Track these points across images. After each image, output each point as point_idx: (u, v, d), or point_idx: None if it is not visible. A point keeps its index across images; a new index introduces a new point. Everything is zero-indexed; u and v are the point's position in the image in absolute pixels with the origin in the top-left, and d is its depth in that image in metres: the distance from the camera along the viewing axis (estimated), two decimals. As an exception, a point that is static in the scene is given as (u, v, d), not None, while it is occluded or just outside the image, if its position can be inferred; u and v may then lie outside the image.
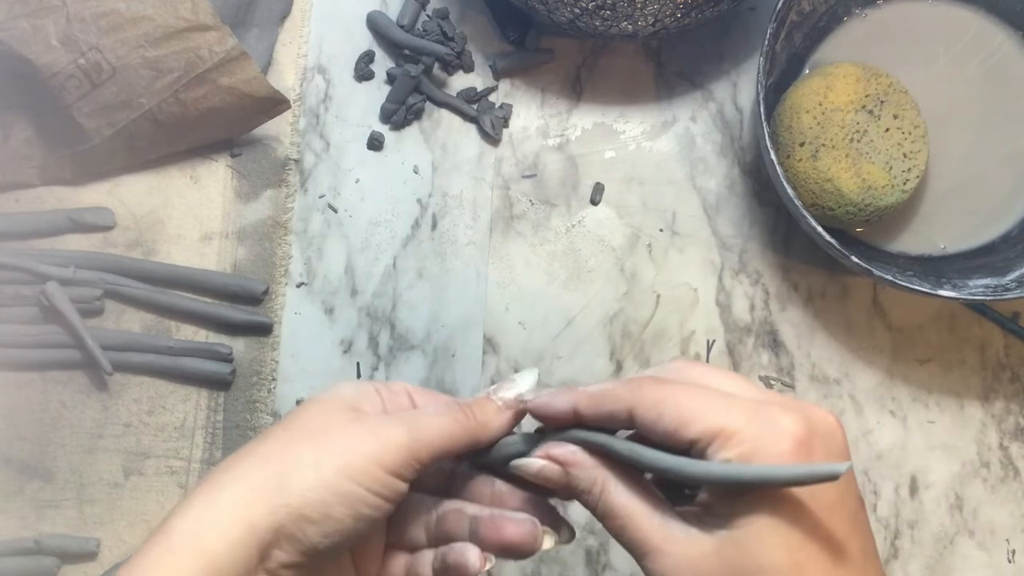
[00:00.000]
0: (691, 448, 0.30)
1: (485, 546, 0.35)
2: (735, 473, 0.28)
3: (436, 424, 0.33)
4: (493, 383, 0.39)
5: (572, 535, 0.36)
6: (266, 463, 0.32)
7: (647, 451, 0.31)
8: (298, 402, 0.52)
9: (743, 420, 0.29)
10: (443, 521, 0.36)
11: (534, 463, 0.34)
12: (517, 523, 0.34)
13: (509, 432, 0.36)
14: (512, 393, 0.36)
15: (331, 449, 0.32)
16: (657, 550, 0.30)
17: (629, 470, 0.32)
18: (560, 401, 0.34)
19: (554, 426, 0.34)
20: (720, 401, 0.30)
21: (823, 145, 0.49)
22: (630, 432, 0.33)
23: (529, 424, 0.35)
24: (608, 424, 0.32)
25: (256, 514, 0.30)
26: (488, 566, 0.35)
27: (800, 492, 0.28)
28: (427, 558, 0.36)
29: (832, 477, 0.26)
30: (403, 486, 0.33)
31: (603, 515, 0.32)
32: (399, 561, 0.36)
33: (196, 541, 0.30)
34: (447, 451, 0.34)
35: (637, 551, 0.31)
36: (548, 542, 0.35)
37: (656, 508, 0.31)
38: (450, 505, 0.36)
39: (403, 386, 0.37)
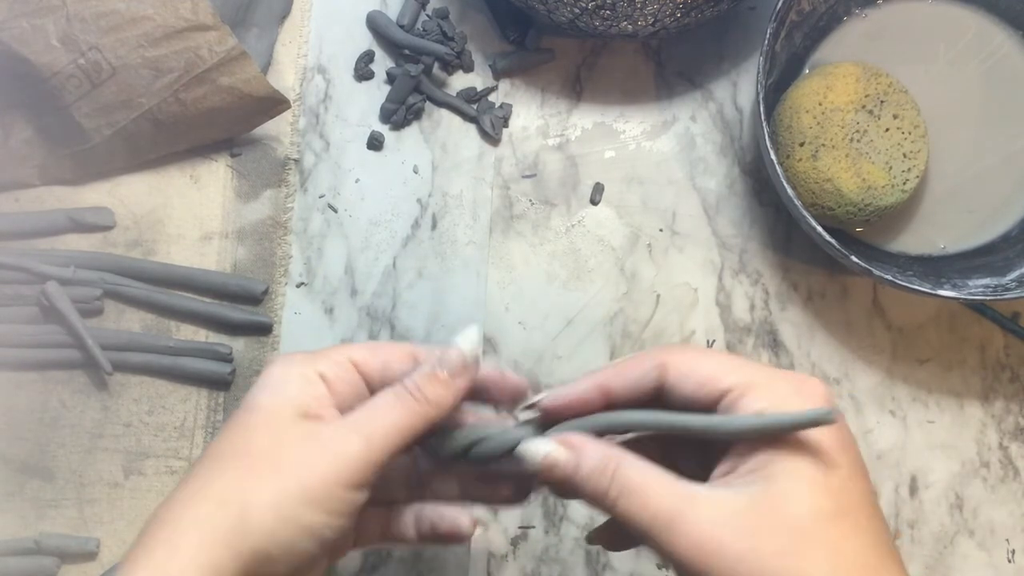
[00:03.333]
0: (721, 400, 0.30)
1: (480, 500, 0.34)
2: (763, 422, 0.29)
3: (390, 422, 0.32)
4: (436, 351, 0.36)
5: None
6: (224, 506, 0.30)
7: (667, 414, 0.31)
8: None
9: (772, 375, 0.30)
10: (426, 476, 0.35)
11: (541, 445, 0.32)
12: (507, 484, 0.34)
13: (460, 402, 0.34)
14: (455, 357, 0.33)
15: (287, 480, 0.30)
16: (683, 514, 0.29)
17: (640, 452, 0.31)
18: (579, 385, 0.33)
19: (568, 416, 0.33)
20: (748, 362, 0.31)
21: (823, 145, 0.49)
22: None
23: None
24: (637, 395, 0.32)
25: (221, 559, 0.29)
26: (479, 531, 0.35)
27: (831, 446, 0.29)
28: (408, 517, 0.35)
29: (829, 420, 0.28)
30: (363, 496, 0.32)
31: (618, 494, 0.30)
32: (375, 518, 0.35)
33: None
34: (404, 445, 0.32)
35: (660, 523, 0.29)
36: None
37: (676, 478, 0.30)
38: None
39: (346, 354, 0.34)
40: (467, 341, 0.34)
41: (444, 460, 0.35)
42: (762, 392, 0.30)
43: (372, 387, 0.35)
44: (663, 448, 0.35)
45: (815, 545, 0.28)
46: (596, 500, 0.31)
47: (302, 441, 0.31)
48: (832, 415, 0.28)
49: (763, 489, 0.29)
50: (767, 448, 0.29)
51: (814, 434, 0.29)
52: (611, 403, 0.33)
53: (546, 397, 0.34)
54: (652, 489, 0.30)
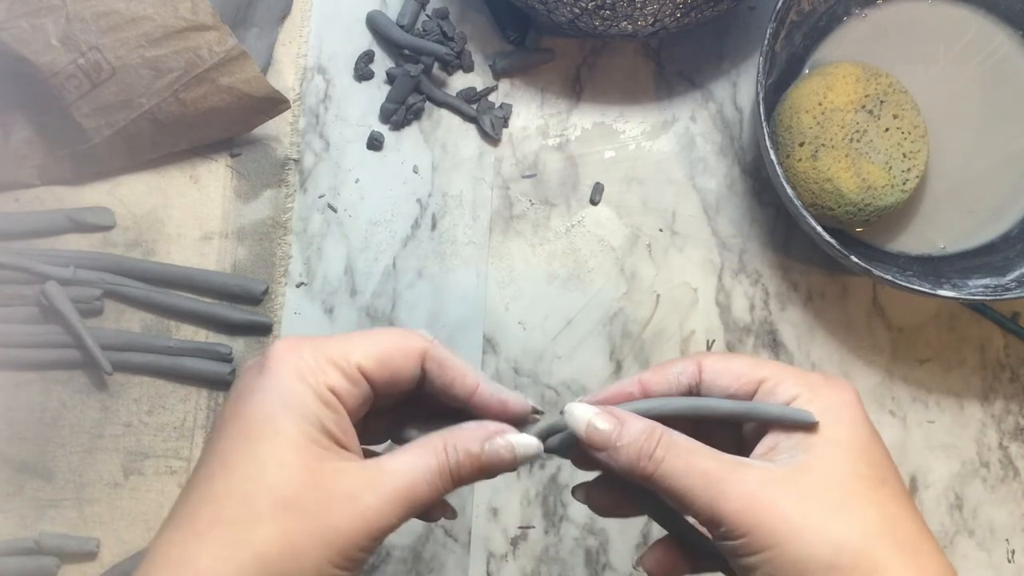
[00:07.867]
0: (758, 389, 0.33)
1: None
2: (785, 412, 0.31)
3: (427, 495, 0.31)
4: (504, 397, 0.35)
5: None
6: (267, 565, 0.28)
7: (704, 400, 0.33)
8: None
9: (803, 373, 0.33)
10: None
11: (586, 409, 0.32)
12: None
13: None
14: (505, 453, 0.32)
15: (328, 543, 0.29)
16: (731, 475, 0.30)
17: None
18: (621, 383, 0.35)
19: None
20: (778, 362, 0.34)
21: (823, 145, 0.49)
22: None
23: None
24: (673, 391, 0.34)
25: None
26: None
27: (863, 426, 0.32)
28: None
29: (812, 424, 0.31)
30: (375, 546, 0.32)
31: (665, 453, 0.31)
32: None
33: None
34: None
35: (708, 481, 0.30)
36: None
37: (719, 452, 0.32)
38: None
39: (355, 364, 0.32)
40: (523, 446, 0.33)
41: None
42: (797, 380, 0.32)
43: (377, 390, 0.34)
44: (697, 435, 0.35)
45: (863, 503, 0.29)
46: (637, 463, 0.31)
47: (344, 504, 0.30)
48: (812, 416, 0.31)
49: (807, 459, 0.30)
50: (806, 430, 0.31)
51: (847, 414, 0.31)
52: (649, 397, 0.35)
53: (592, 395, 0.35)
54: (700, 452, 0.31)
